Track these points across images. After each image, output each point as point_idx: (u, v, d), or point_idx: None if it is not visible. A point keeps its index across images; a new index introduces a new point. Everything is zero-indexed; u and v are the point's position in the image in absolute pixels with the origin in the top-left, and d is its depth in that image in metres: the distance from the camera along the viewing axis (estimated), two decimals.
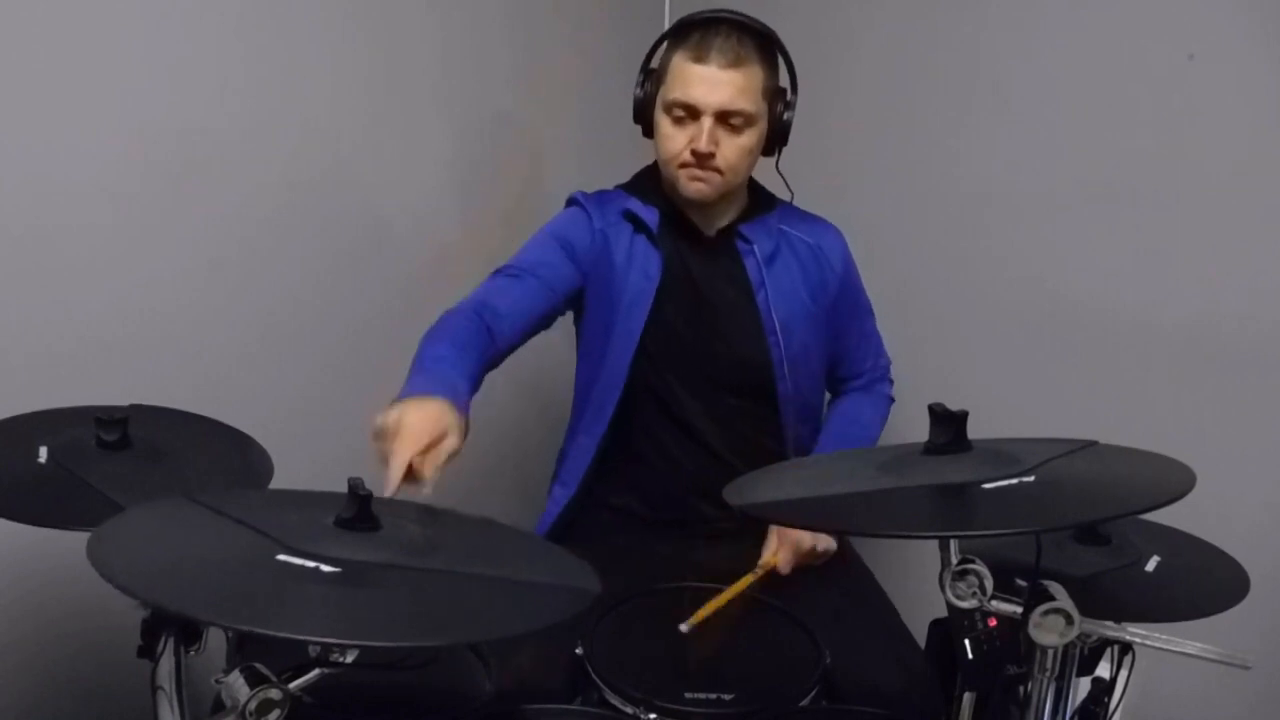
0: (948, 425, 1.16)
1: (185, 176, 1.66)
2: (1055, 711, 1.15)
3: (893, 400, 1.86)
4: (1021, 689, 1.13)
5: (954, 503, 1.11)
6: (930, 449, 1.17)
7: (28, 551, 1.51)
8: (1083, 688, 1.21)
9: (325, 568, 0.94)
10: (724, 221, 1.70)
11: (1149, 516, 1.11)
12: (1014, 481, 1.09)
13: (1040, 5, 1.84)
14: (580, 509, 1.76)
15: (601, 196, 1.74)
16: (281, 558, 0.94)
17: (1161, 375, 1.77)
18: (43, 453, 1.22)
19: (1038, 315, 1.90)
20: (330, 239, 1.88)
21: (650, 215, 1.68)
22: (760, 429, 1.74)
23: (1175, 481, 1.07)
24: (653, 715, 1.35)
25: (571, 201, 1.74)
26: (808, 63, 1.76)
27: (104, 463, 1.21)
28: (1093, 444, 1.22)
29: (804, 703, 1.41)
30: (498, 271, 1.66)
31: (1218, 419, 1.72)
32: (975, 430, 1.17)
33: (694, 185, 1.61)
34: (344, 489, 1.02)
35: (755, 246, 1.69)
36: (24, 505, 1.15)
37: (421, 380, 1.38)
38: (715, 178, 1.61)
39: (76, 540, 0.96)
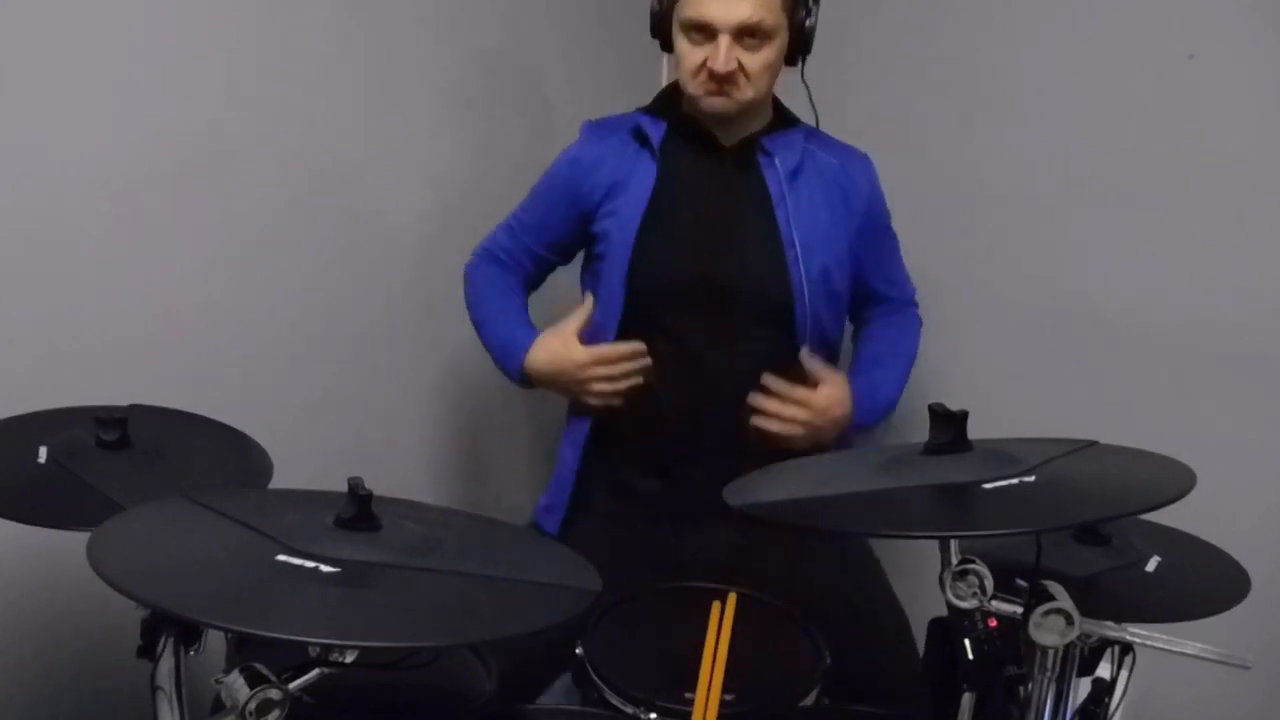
0: (948, 425, 1.16)
1: (185, 176, 1.66)
2: (1055, 712, 1.15)
3: (921, 323, 1.82)
4: (1021, 689, 1.13)
5: (954, 503, 1.11)
6: (930, 449, 1.17)
7: (28, 551, 1.51)
8: (1083, 688, 1.21)
9: (325, 568, 0.94)
10: (746, 132, 1.65)
11: (1149, 516, 1.11)
12: (1014, 481, 1.09)
13: (1040, 5, 1.84)
14: (582, 484, 1.73)
15: (610, 122, 1.73)
16: (281, 558, 0.94)
17: (1161, 375, 1.77)
18: (42, 453, 1.22)
19: (1038, 315, 1.90)
20: (331, 239, 1.87)
21: (656, 129, 1.66)
22: (772, 355, 1.65)
23: (1175, 481, 1.07)
24: (653, 715, 1.35)
25: (578, 137, 1.74)
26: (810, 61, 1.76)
27: (104, 463, 1.21)
28: (1093, 444, 1.22)
29: (805, 702, 1.42)
30: (512, 232, 1.77)
31: (1218, 419, 1.71)
32: (975, 430, 1.17)
33: (714, 100, 1.59)
34: (344, 489, 1.02)
35: (777, 159, 1.64)
36: (24, 505, 1.15)
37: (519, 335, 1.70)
38: (736, 92, 1.58)
39: (76, 540, 0.95)
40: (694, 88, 1.59)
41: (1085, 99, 1.80)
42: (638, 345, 1.62)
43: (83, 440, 1.23)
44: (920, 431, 1.19)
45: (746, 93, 1.58)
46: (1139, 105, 1.74)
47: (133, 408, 1.28)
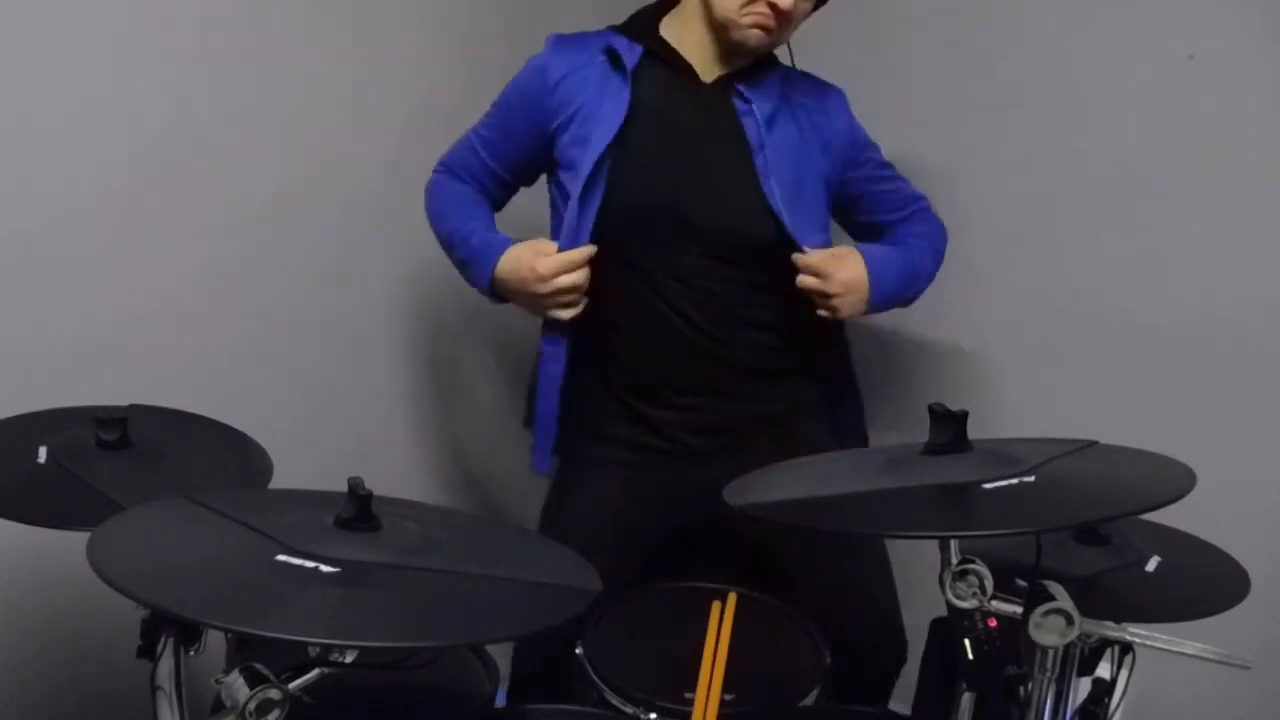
0: (948, 425, 1.16)
1: (184, 174, 1.66)
2: (1055, 712, 1.15)
3: (939, 221, 1.77)
4: (1021, 689, 1.13)
5: (954, 503, 1.11)
6: (930, 449, 1.17)
7: (28, 551, 1.51)
8: (1083, 688, 1.21)
9: (325, 568, 0.94)
10: (727, 69, 1.61)
11: (1149, 516, 1.11)
12: (1014, 481, 1.09)
13: (1039, 5, 1.84)
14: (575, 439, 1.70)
15: (579, 38, 1.64)
16: (281, 558, 0.94)
17: (1161, 375, 1.77)
18: (42, 453, 1.22)
19: (1038, 315, 1.90)
20: (329, 237, 1.87)
21: (631, 53, 1.59)
22: (751, 294, 1.64)
23: (1175, 481, 1.07)
24: (653, 715, 1.35)
25: (545, 48, 1.64)
26: (815, 62, 1.76)
27: (104, 463, 1.21)
28: (1093, 444, 1.22)
29: (805, 702, 1.42)
30: (473, 148, 1.69)
31: (1218, 419, 1.71)
32: (975, 430, 1.17)
33: (755, 34, 1.54)
34: (344, 489, 1.02)
35: (755, 107, 1.59)
36: (24, 505, 1.15)
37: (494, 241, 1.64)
38: (783, 32, 1.56)
39: (76, 540, 0.96)
40: (738, 15, 1.53)
41: (1085, 99, 1.80)
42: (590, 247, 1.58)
43: (83, 440, 1.23)
44: (920, 431, 1.19)
45: (786, 34, 1.58)
46: (1139, 105, 1.74)
47: (133, 408, 1.28)
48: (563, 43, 1.63)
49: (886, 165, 1.76)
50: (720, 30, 1.57)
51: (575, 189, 1.57)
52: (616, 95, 1.57)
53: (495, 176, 1.70)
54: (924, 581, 1.24)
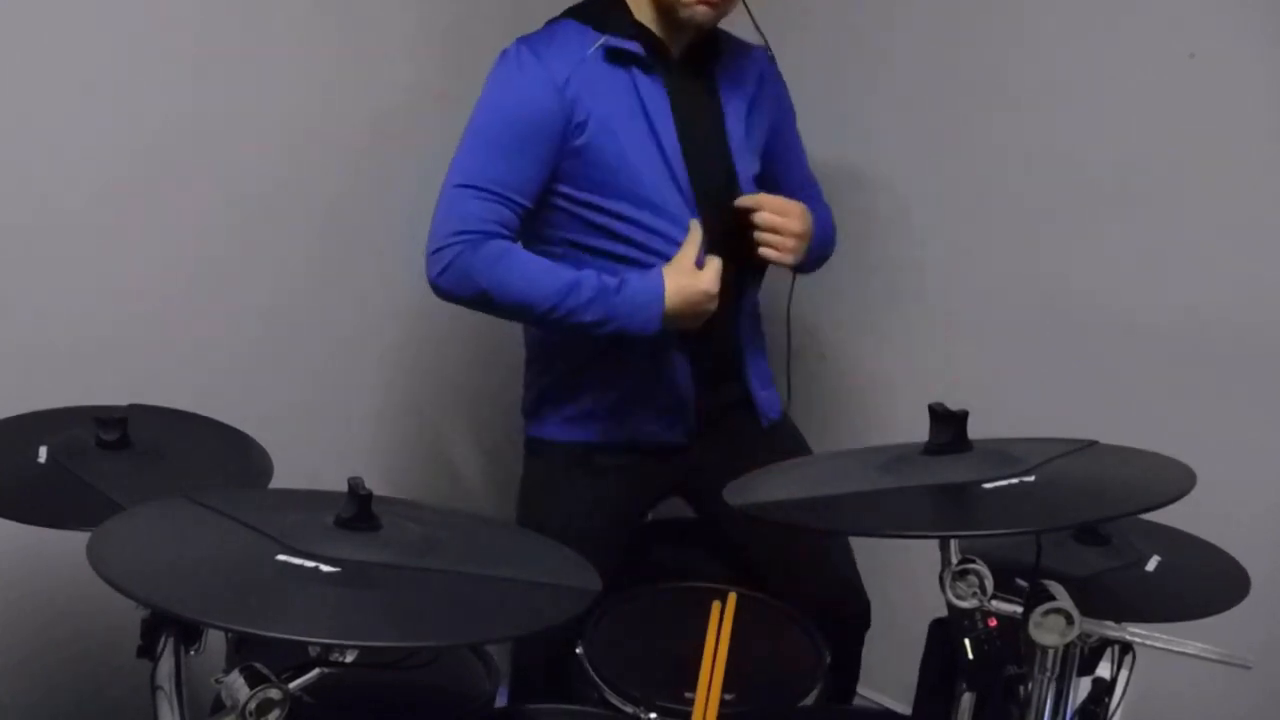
0: (948, 425, 1.16)
1: (184, 174, 1.66)
2: (1055, 712, 1.15)
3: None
4: (1021, 689, 1.13)
5: (954, 503, 1.11)
6: (930, 449, 1.17)
7: (28, 551, 1.51)
8: (1083, 688, 1.21)
9: (325, 568, 0.94)
10: (681, 46, 1.60)
11: (1149, 516, 1.11)
12: (1014, 481, 1.09)
13: (1040, 5, 1.84)
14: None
15: (546, 37, 1.56)
16: (281, 558, 0.94)
17: (1161, 375, 1.77)
18: (42, 453, 1.22)
19: (1037, 315, 1.90)
20: (329, 237, 1.87)
21: (633, 46, 1.55)
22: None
23: (1175, 481, 1.07)
24: (653, 715, 1.35)
25: (514, 58, 1.54)
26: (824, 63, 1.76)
27: (104, 463, 1.21)
28: (1093, 444, 1.22)
29: (805, 702, 1.42)
30: (491, 198, 1.50)
31: (1217, 419, 1.71)
32: (975, 430, 1.17)
33: (703, 9, 1.51)
34: (344, 489, 1.02)
35: (720, 86, 1.62)
36: (24, 505, 1.15)
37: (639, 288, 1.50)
38: (727, 4, 1.54)
39: (76, 540, 0.96)
40: None
41: (1085, 98, 1.80)
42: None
43: (83, 440, 1.23)
44: (920, 431, 1.19)
45: (730, 6, 1.56)
46: (1139, 105, 1.74)
47: (133, 408, 1.28)
48: (540, 45, 1.55)
49: (798, 136, 1.78)
50: (668, 11, 1.55)
51: (662, 187, 1.55)
52: (650, 90, 1.55)
53: (525, 214, 1.54)
54: (924, 581, 1.23)
